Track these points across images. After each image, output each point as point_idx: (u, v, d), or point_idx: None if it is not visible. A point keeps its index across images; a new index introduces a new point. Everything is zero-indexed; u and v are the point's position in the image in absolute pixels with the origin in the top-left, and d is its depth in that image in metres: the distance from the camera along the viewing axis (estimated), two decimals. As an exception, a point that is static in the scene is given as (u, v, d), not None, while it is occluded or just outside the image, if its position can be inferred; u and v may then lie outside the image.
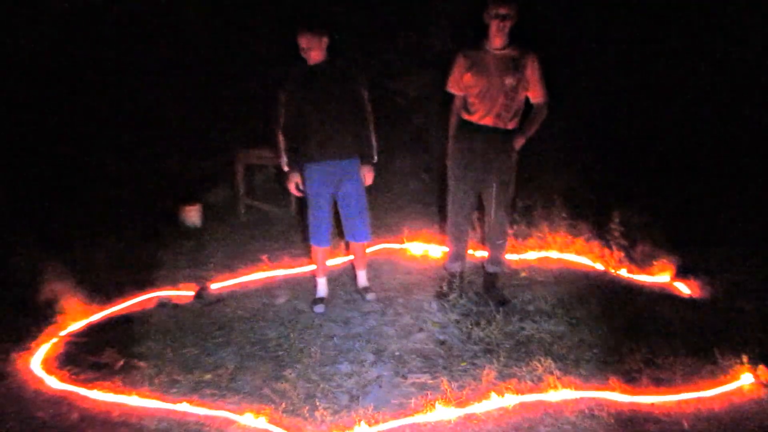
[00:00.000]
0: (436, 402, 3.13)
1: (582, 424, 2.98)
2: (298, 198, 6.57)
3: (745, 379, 3.25)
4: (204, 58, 7.01)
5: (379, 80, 6.56)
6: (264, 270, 5.16)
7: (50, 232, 5.84)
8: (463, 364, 3.51)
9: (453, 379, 3.33)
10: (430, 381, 3.35)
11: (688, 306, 4.20)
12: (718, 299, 4.25)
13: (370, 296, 4.41)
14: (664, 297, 4.35)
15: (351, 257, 4.82)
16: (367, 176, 4.20)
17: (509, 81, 3.94)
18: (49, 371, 3.66)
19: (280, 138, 4.16)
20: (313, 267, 4.69)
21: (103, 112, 6.95)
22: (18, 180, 6.53)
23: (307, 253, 5.14)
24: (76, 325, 4.28)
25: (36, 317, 4.26)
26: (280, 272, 5.12)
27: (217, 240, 6.09)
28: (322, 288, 4.50)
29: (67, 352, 3.90)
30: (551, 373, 3.32)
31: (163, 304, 4.62)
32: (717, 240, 4.94)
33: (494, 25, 3.89)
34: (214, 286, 4.88)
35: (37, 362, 3.77)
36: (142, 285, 4.87)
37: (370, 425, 3.02)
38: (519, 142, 4.11)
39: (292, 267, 5.17)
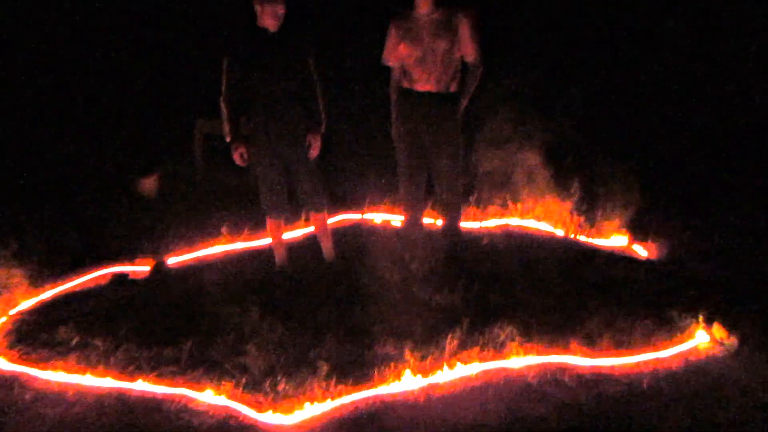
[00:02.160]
0: (401, 372, 3.12)
1: (544, 389, 3.02)
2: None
3: (700, 338, 3.32)
4: (161, 22, 6.76)
5: (335, 44, 6.39)
6: (223, 243, 5.05)
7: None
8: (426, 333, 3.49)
9: (416, 349, 3.31)
10: (393, 351, 3.34)
11: (645, 268, 4.27)
12: (674, 261, 4.33)
13: (334, 268, 4.34)
14: (622, 260, 4.42)
15: (311, 228, 4.76)
16: (314, 145, 4.05)
17: (443, 44, 3.87)
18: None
19: (222, 106, 4.02)
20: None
21: (57, 81, 6.66)
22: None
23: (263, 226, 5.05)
24: (27, 303, 4.13)
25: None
26: (239, 245, 5.02)
27: (175, 211, 5.92)
28: (280, 260, 4.43)
29: (17, 330, 3.77)
30: (513, 339, 3.34)
31: (118, 280, 4.49)
32: (673, 204, 5.00)
33: None
34: (172, 261, 4.76)
35: (-13, 342, 3.64)
36: (98, 259, 4.73)
37: (333, 398, 2.99)
38: (462, 105, 4.06)
39: (252, 239, 5.07)
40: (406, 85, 4.03)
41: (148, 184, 6.55)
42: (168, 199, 6.32)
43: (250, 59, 3.90)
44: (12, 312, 4.01)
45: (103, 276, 4.54)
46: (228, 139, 4.00)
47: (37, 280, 4.33)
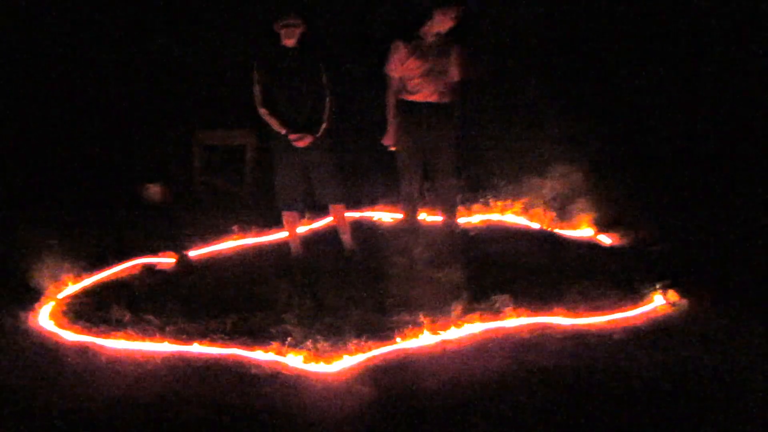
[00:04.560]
0: (418, 332, 3.77)
1: (536, 340, 3.71)
2: (251, 176, 7.11)
3: (657, 301, 4.08)
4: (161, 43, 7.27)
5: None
6: (235, 239, 5.60)
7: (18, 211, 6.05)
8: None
9: (427, 315, 3.95)
10: (407, 318, 3.97)
11: (610, 253, 5.03)
12: (632, 247, 5.09)
13: (354, 257, 4.97)
14: (590, 247, 5.17)
15: (315, 224, 5.55)
16: (303, 141, 4.62)
17: (443, 63, 4.62)
18: (62, 327, 4.02)
19: (263, 110, 4.64)
20: (282, 235, 5.35)
21: (61, 95, 7.09)
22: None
23: (269, 225, 5.67)
24: (71, 289, 4.62)
25: (29, 285, 4.57)
26: (251, 240, 5.58)
27: (181, 215, 6.42)
28: (296, 250, 5.03)
29: (72, 310, 4.27)
30: (507, 305, 4.02)
31: (148, 270, 5.01)
32: (630, 198, 5.79)
33: (445, 22, 4.54)
34: (192, 254, 5.30)
35: (46, 320, 4.12)
36: (121, 255, 5.22)
37: (364, 352, 3.62)
38: (456, 114, 4.82)
39: (263, 235, 5.63)
40: (408, 97, 4.70)
41: (154, 190, 7.07)
42: (172, 204, 6.84)
43: (275, 71, 4.57)
44: (60, 296, 4.50)
45: (134, 267, 5.05)
46: (284, 131, 4.60)
47: (76, 271, 4.81)
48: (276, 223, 5.55)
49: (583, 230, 5.45)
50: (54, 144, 6.91)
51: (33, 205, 6.12)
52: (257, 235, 5.67)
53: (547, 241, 5.29)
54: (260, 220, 5.87)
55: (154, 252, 5.30)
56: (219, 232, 5.74)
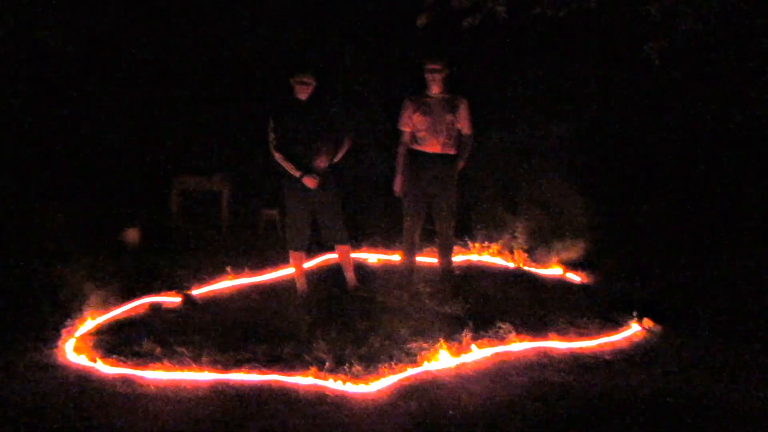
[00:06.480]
0: (437, 355, 4.21)
1: (541, 361, 4.24)
2: (227, 220, 7.41)
3: (635, 328, 4.72)
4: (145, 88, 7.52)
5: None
6: (230, 279, 5.85)
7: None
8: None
9: (444, 341, 4.40)
10: (425, 344, 4.40)
11: (581, 289, 5.68)
12: (600, 284, 5.77)
13: (359, 292, 5.36)
14: (562, 283, 5.81)
15: (314, 261, 5.93)
16: (314, 180, 5.04)
17: (448, 117, 5.20)
18: (94, 361, 4.17)
19: (278, 155, 5.04)
20: (277, 274, 5.86)
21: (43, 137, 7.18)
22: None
23: (261, 265, 6.07)
24: (86, 327, 4.75)
25: (40, 324, 4.69)
26: (247, 279, 5.84)
27: (164, 257, 6.58)
28: (301, 287, 5.38)
29: (98, 346, 4.41)
30: (510, 332, 4.54)
31: (156, 309, 5.20)
32: (592, 239, 6.51)
33: (428, 78, 5.15)
34: (195, 293, 5.52)
35: (75, 356, 4.25)
36: (121, 296, 5.35)
37: (395, 373, 4.01)
38: (460, 165, 5.37)
39: (256, 275, 5.92)
40: (416, 147, 5.25)
41: (133, 234, 7.19)
42: (151, 248, 6.98)
43: (288, 120, 5.02)
44: (77, 334, 4.62)
45: (141, 306, 5.22)
46: (298, 174, 4.99)
47: (87, 311, 4.95)
48: (265, 263, 6.05)
49: (553, 269, 6.09)
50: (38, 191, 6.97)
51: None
52: (251, 275, 5.94)
53: (523, 278, 5.88)
54: (249, 261, 6.17)
55: (156, 292, 5.49)
56: (209, 272, 5.97)
